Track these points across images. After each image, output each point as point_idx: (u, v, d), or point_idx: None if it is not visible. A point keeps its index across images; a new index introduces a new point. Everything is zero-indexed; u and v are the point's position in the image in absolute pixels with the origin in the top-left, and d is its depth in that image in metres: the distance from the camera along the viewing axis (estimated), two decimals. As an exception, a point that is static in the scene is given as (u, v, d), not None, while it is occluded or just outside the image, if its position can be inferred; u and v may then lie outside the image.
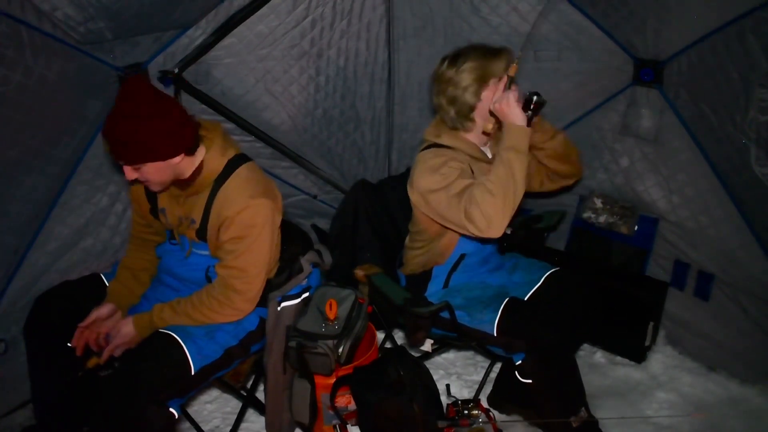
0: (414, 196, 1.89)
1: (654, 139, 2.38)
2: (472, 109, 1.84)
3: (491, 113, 1.80)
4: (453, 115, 1.87)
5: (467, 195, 1.72)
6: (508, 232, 2.14)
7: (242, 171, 1.76)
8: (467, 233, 1.77)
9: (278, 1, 2.40)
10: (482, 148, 1.95)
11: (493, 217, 1.67)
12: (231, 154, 1.78)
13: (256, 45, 2.47)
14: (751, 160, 1.91)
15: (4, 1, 1.59)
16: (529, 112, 1.72)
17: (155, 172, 1.65)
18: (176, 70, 2.37)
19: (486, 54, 1.82)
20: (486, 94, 1.82)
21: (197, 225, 1.77)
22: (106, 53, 2.04)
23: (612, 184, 2.60)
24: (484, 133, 1.89)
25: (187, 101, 2.46)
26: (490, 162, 1.91)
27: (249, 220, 1.71)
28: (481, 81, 1.82)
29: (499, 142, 1.75)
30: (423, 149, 1.94)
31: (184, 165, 1.70)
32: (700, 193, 2.30)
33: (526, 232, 2.22)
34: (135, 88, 1.61)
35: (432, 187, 1.80)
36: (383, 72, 2.76)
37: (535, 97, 1.71)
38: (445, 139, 1.90)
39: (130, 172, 1.65)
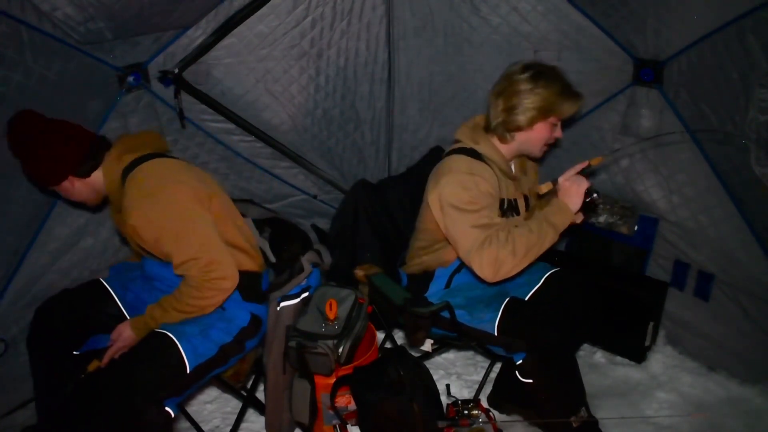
0: (432, 197, 1.85)
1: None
2: (518, 129, 1.83)
3: (553, 182, 1.79)
4: (499, 121, 1.84)
5: (489, 234, 1.72)
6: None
7: (135, 173, 1.72)
8: (463, 261, 1.78)
9: (278, 1, 2.40)
10: (510, 163, 1.94)
11: (500, 270, 1.72)
12: (128, 159, 1.75)
13: (256, 45, 2.47)
14: (751, 160, 1.91)
15: (4, 1, 1.60)
16: (583, 203, 1.76)
17: (65, 193, 1.79)
18: (176, 70, 2.37)
19: (564, 91, 1.79)
20: (539, 126, 1.81)
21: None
22: (106, 53, 2.04)
23: (612, 184, 2.60)
24: (538, 195, 1.90)
25: (187, 101, 2.46)
26: (513, 178, 1.92)
27: (154, 219, 1.68)
28: (544, 113, 1.79)
29: (546, 210, 1.77)
30: (456, 150, 1.90)
31: (92, 181, 1.77)
32: (700, 193, 2.29)
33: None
34: (16, 124, 1.68)
35: (457, 203, 1.77)
36: (383, 72, 2.76)
37: (595, 195, 1.76)
38: (482, 147, 1.86)
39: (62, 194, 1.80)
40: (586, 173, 1.81)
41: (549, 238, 1.74)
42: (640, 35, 2.22)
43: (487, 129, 1.89)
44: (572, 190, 1.75)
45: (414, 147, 2.93)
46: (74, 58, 1.90)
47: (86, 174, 1.75)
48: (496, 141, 1.88)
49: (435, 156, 2.51)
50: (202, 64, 2.43)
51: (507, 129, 1.84)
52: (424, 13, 2.59)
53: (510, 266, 1.71)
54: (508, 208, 1.90)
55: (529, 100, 1.78)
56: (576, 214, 1.78)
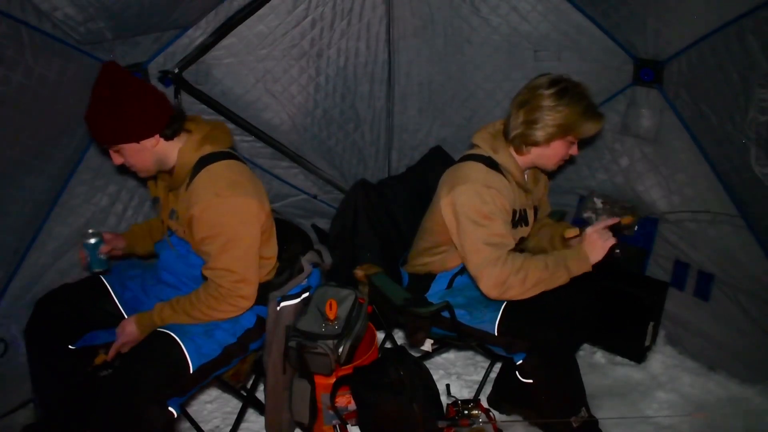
0: (445, 202, 1.82)
1: (654, 139, 2.38)
2: (535, 144, 1.80)
3: (580, 231, 1.83)
4: (518, 133, 1.80)
5: (499, 255, 1.73)
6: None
7: (213, 167, 1.71)
8: (468, 270, 1.80)
9: (278, 1, 2.40)
10: (525, 173, 1.93)
11: (506, 295, 1.75)
12: (206, 150, 1.74)
13: (256, 45, 2.47)
14: (751, 160, 1.91)
15: (4, 1, 1.59)
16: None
17: (134, 155, 1.70)
18: (176, 70, 2.37)
19: (587, 111, 1.75)
20: (556, 144, 1.78)
21: (177, 218, 1.78)
22: (106, 53, 2.04)
23: (612, 184, 2.60)
24: (564, 238, 1.91)
25: (187, 101, 2.46)
26: (526, 189, 1.91)
27: (215, 219, 1.67)
28: (564, 132, 1.76)
29: (569, 252, 1.79)
30: (472, 156, 1.87)
31: (162, 151, 1.72)
32: (700, 193, 2.29)
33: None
34: (108, 73, 1.64)
35: (472, 216, 1.76)
36: (383, 72, 2.76)
37: (617, 251, 1.77)
38: (500, 157, 1.83)
39: (114, 157, 1.73)
40: (616, 229, 1.81)
41: (560, 280, 1.76)
42: (640, 35, 2.22)
43: (506, 137, 1.86)
44: (598, 244, 1.75)
45: (414, 147, 2.93)
46: (74, 58, 1.90)
47: (170, 137, 1.72)
48: (512, 151, 1.86)
49: (435, 156, 2.52)
50: (202, 64, 2.43)
51: (524, 142, 1.81)
52: (424, 13, 2.59)
53: (516, 293, 1.75)
54: (519, 219, 1.90)
55: (550, 117, 1.74)
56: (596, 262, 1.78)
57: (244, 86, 2.55)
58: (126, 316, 1.88)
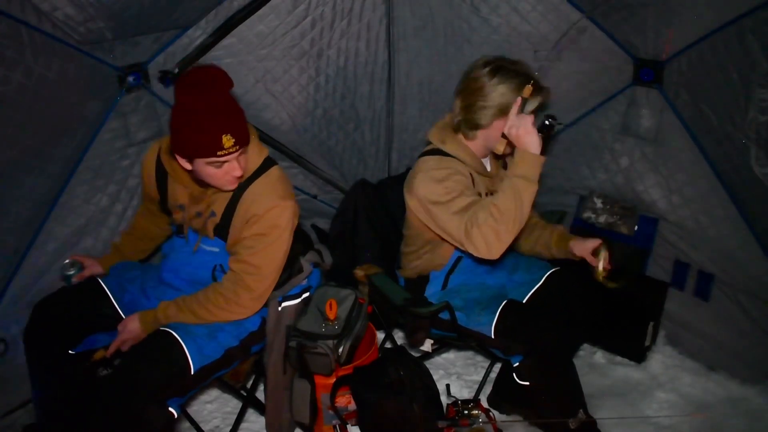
0: (412, 202, 1.86)
1: (654, 139, 2.38)
2: (477, 127, 1.81)
3: (503, 135, 1.72)
4: (460, 119, 1.84)
5: (470, 214, 1.69)
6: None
7: (274, 171, 1.81)
8: (463, 249, 1.75)
9: (278, 1, 2.40)
10: (483, 160, 1.92)
11: (494, 243, 1.66)
12: (265, 153, 1.82)
13: (256, 45, 2.47)
14: (751, 160, 1.91)
15: (4, 1, 1.59)
16: (541, 135, 1.66)
17: (246, 158, 1.73)
18: (176, 70, 2.37)
19: (522, 87, 1.71)
20: (498, 125, 1.77)
21: (218, 219, 1.78)
22: (106, 53, 2.04)
23: (612, 184, 2.60)
24: (495, 155, 1.84)
25: (187, 101, 2.46)
26: (489, 176, 1.90)
27: (275, 220, 1.74)
28: (502, 111, 1.75)
29: (510, 166, 1.68)
30: (425, 153, 1.91)
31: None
32: (700, 193, 2.30)
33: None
34: (212, 78, 1.62)
35: (434, 198, 1.77)
36: (383, 72, 2.76)
37: (548, 121, 1.67)
38: (449, 147, 1.86)
39: (240, 162, 1.67)
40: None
41: (526, 193, 1.63)
42: (640, 35, 2.22)
43: (457, 131, 1.87)
44: (521, 133, 1.64)
45: (414, 147, 2.93)
46: (74, 58, 1.90)
47: None
48: (465, 142, 1.87)
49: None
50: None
51: (468, 127, 1.82)
52: (424, 13, 2.59)
53: (498, 235, 1.64)
54: None
55: (487, 97, 1.74)
56: (542, 150, 1.67)
57: (244, 86, 2.55)
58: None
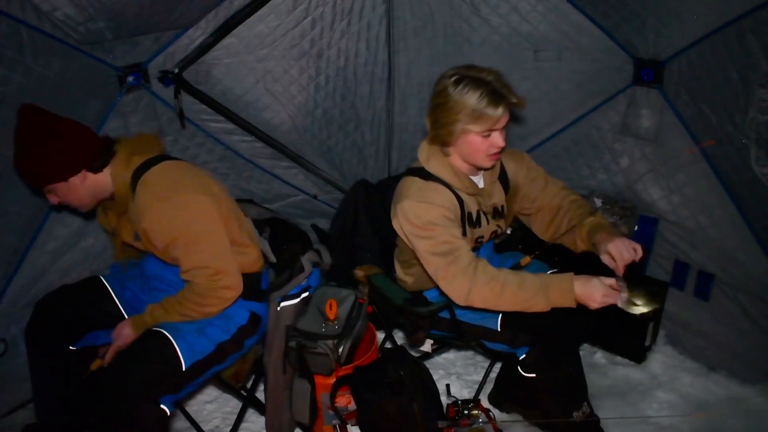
0: (395, 223, 1.79)
1: (654, 139, 2.38)
2: (447, 143, 1.72)
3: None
4: (431, 136, 1.76)
5: (451, 258, 1.65)
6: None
7: (148, 176, 1.70)
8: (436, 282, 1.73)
9: (278, 1, 2.40)
10: (474, 178, 1.81)
11: (475, 304, 1.68)
12: (137, 162, 1.72)
13: (256, 45, 2.47)
14: (751, 160, 1.91)
15: (4, 1, 1.60)
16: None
17: (66, 193, 1.70)
18: (176, 70, 2.37)
19: (483, 99, 1.59)
20: (468, 139, 1.66)
21: (140, 241, 1.77)
22: (106, 53, 2.05)
23: (612, 184, 2.60)
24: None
25: (187, 101, 2.46)
26: (481, 194, 1.83)
27: (167, 224, 1.67)
28: (465, 124, 1.63)
29: (557, 276, 1.68)
30: (411, 170, 1.84)
31: (94, 184, 1.71)
32: (700, 193, 2.29)
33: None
34: (26, 117, 1.62)
35: (412, 231, 1.72)
36: (383, 72, 2.76)
37: (620, 303, 1.66)
38: (432, 166, 1.76)
39: (49, 198, 1.72)
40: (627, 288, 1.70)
41: (538, 306, 1.65)
42: (640, 35, 2.22)
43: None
44: (594, 290, 1.63)
45: (414, 147, 2.88)
46: (74, 58, 1.90)
47: (99, 169, 1.71)
48: (451, 160, 1.78)
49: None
50: (202, 64, 2.43)
51: (442, 143, 1.74)
52: (424, 13, 2.59)
53: (488, 303, 1.67)
54: (475, 221, 1.84)
55: (448, 113, 1.64)
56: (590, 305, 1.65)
57: (244, 86, 2.55)
58: (126, 316, 1.89)
